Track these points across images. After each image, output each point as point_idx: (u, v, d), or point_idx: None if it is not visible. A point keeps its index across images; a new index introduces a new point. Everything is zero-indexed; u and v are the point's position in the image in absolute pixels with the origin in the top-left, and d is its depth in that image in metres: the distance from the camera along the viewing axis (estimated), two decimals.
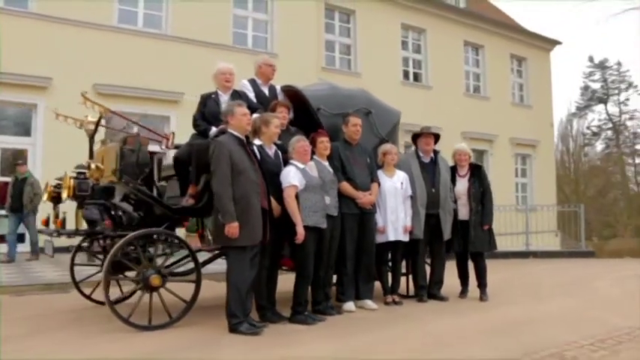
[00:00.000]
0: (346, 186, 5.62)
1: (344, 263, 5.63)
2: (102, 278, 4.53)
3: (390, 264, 6.22)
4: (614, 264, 12.20)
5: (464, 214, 6.38)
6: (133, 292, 4.75)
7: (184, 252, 5.30)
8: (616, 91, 48.16)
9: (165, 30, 14.15)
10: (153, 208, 5.24)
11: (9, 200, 10.27)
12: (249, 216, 4.49)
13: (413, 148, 6.64)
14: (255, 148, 4.89)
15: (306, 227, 4.91)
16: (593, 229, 34.55)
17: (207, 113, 5.45)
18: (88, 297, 5.98)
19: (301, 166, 5.07)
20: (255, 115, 5.20)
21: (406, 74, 19.62)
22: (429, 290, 6.38)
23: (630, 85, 47.68)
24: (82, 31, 12.81)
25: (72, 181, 4.43)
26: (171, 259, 4.99)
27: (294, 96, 6.11)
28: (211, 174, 4.54)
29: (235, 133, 4.69)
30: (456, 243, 6.42)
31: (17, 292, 7.05)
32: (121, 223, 5.08)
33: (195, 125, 5.48)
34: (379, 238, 5.91)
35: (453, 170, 6.58)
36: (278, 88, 6.19)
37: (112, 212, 5.07)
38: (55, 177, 6.54)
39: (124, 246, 4.60)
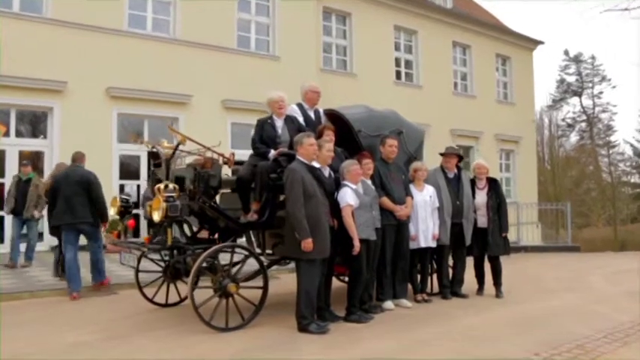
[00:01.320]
0: (386, 201, 6.39)
1: (384, 267, 6.41)
2: (188, 287, 5.21)
3: (419, 267, 7.02)
4: (600, 259, 13.25)
5: (482, 222, 7.23)
6: (209, 298, 5.43)
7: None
8: (590, 85, 49.53)
9: (173, 34, 14.59)
10: (217, 221, 5.94)
11: (12, 202, 9.62)
12: (320, 233, 5.24)
13: (440, 164, 7.44)
14: (320, 173, 5.60)
15: (360, 240, 5.66)
16: (566, 216, 35.91)
17: (266, 137, 6.13)
18: (150, 300, 6.64)
19: (354, 186, 5.81)
20: None
21: (398, 74, 20.35)
22: (451, 289, 7.23)
23: (604, 78, 49.17)
24: (95, 35, 13.20)
25: (165, 204, 5.07)
26: (238, 268, 5.66)
27: (335, 118, 6.83)
28: (286, 197, 5.24)
29: (304, 160, 5.39)
30: (475, 248, 7.26)
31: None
32: (196, 238, 5.77)
33: (254, 148, 6.15)
34: (411, 245, 6.71)
35: (472, 183, 7.39)
36: (321, 111, 6.89)
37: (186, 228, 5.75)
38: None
39: (206, 258, 5.29)
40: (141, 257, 5.57)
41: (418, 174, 6.88)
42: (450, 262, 7.37)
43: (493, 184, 7.36)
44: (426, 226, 6.79)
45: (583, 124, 49.53)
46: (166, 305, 6.67)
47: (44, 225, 10.29)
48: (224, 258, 5.75)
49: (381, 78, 19.20)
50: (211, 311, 5.35)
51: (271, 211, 5.81)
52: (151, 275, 6.73)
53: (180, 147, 5.64)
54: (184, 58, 14.39)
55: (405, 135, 7.10)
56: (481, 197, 7.28)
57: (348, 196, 5.66)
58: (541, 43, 25.76)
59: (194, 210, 5.74)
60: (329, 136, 6.19)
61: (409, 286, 6.93)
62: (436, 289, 7.37)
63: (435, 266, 7.35)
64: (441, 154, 7.40)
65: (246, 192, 5.98)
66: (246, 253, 5.70)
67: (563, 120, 48.95)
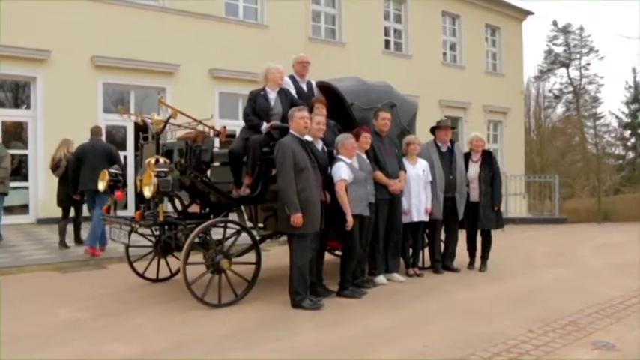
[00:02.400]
0: (380, 175, 6.32)
1: (377, 241, 6.38)
2: (181, 264, 5.15)
3: (411, 241, 7.00)
4: (587, 232, 13.38)
5: (474, 196, 7.21)
6: (202, 275, 5.37)
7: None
8: (578, 56, 49.36)
9: (162, 1, 14.20)
10: (209, 196, 5.85)
11: None
12: (311, 207, 5.18)
13: (432, 138, 7.36)
14: (312, 146, 5.51)
15: (353, 215, 5.60)
16: (553, 188, 36.29)
17: (258, 109, 6.00)
18: (141, 275, 6.57)
19: (349, 161, 5.73)
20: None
21: (387, 44, 20.11)
22: (443, 263, 7.24)
23: (591, 49, 48.95)
24: (79, 3, 12.76)
25: (156, 179, 4.96)
26: (230, 244, 5.59)
27: (328, 90, 6.70)
28: (277, 172, 5.16)
29: (296, 134, 5.29)
30: (466, 222, 7.25)
31: (62, 268, 7.58)
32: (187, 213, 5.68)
33: (246, 120, 6.02)
34: (404, 219, 6.67)
35: (467, 156, 7.35)
36: (314, 83, 6.76)
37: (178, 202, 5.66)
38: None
39: (199, 233, 5.21)
40: (131, 233, 5.46)
41: (411, 148, 6.82)
42: (442, 236, 7.35)
43: (487, 157, 7.32)
44: (418, 201, 6.75)
45: (569, 96, 49.45)
46: (157, 280, 6.61)
47: None
48: (217, 232, 5.68)
49: (370, 47, 18.96)
50: (204, 287, 5.30)
51: (264, 186, 5.73)
52: (141, 249, 6.65)
53: (171, 120, 5.49)
54: (171, 27, 14.05)
55: (398, 108, 7.00)
56: (474, 170, 7.25)
57: (342, 171, 5.59)
58: (530, 13, 25.54)
59: (185, 184, 5.64)
60: (319, 109, 6.09)
61: (401, 260, 6.91)
62: (427, 262, 7.37)
63: (426, 240, 7.33)
64: (434, 128, 7.32)
65: (238, 166, 5.88)
66: (239, 228, 5.61)
67: (549, 91, 48.75)
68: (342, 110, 6.60)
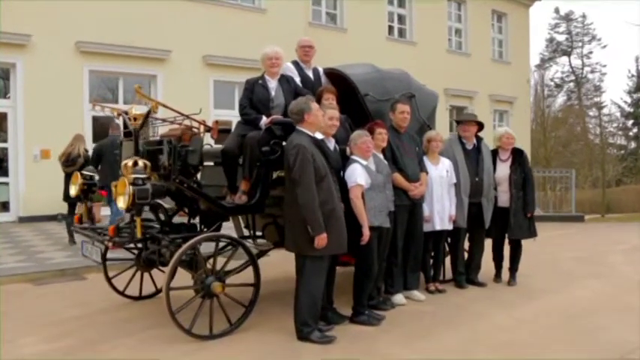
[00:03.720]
0: (399, 177, 5.43)
1: (394, 254, 5.51)
2: (164, 289, 4.25)
3: (432, 252, 6.13)
4: (609, 231, 12.50)
5: (504, 200, 6.32)
6: (190, 301, 4.47)
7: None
8: (580, 44, 48.71)
9: None
10: (198, 203, 4.95)
11: None
12: (336, 224, 4.31)
13: (455, 133, 6.45)
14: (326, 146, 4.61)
15: (371, 227, 4.72)
16: (556, 180, 35.55)
17: (256, 101, 5.09)
18: (122, 293, 5.70)
19: (364, 162, 4.83)
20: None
21: (391, 30, 19.22)
22: (467, 276, 6.37)
23: (594, 37, 48.34)
24: None
25: (132, 188, 4.05)
26: (224, 263, 4.69)
27: (337, 79, 5.79)
28: (296, 182, 4.24)
29: (308, 132, 4.40)
30: (494, 229, 6.37)
31: (36, 279, 6.69)
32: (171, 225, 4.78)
33: (242, 114, 5.12)
34: (425, 227, 5.79)
35: (494, 154, 6.45)
36: (321, 70, 5.86)
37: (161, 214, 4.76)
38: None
39: (186, 252, 4.32)
40: (106, 251, 4.56)
41: (433, 145, 5.91)
42: (466, 245, 6.47)
43: (518, 156, 6.41)
44: (441, 206, 5.86)
45: (571, 85, 48.90)
46: (140, 298, 5.73)
47: None
48: (209, 246, 4.79)
49: (372, 33, 18.08)
50: (192, 312, 4.41)
51: (263, 192, 4.84)
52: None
53: (153, 114, 4.59)
54: (162, 10, 13.16)
55: (416, 99, 6.09)
56: (503, 171, 6.35)
57: (357, 175, 4.69)
58: None
59: (170, 190, 4.74)
60: (329, 101, 5.19)
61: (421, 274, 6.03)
62: (447, 273, 6.49)
63: (447, 249, 6.45)
64: (457, 122, 6.42)
65: (233, 168, 4.98)
66: (234, 243, 4.73)
67: (551, 80, 48.41)
68: (353, 102, 5.69)
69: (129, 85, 13.26)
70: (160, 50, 13.19)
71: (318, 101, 5.05)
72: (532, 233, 6.39)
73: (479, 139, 6.35)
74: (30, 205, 11.51)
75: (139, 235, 4.24)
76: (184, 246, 4.31)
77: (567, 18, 49.20)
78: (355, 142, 4.86)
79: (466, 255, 6.48)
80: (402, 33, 19.59)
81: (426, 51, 19.48)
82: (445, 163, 5.96)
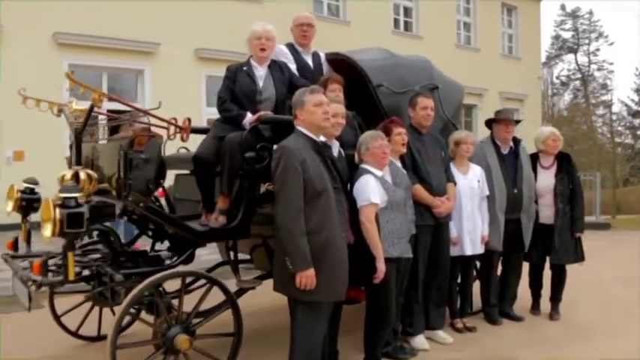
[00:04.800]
0: (421, 191, 4.28)
1: (414, 287, 4.36)
2: (108, 346, 3.10)
3: (459, 281, 4.98)
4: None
5: (547, 216, 5.15)
6: (150, 357, 3.33)
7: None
8: (586, 41, 47.97)
9: None
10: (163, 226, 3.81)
11: None
12: (330, 260, 3.14)
13: (489, 134, 5.29)
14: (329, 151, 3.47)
15: (387, 259, 3.58)
16: (594, 188, 34.40)
17: (239, 92, 3.96)
18: (75, 333, 4.58)
19: (379, 173, 3.69)
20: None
21: (397, 23, 18.17)
22: (500, 307, 5.23)
23: (600, 35, 47.58)
24: None
25: (58, 211, 2.91)
26: (194, 307, 3.56)
27: (343, 66, 4.65)
28: (275, 196, 3.13)
29: (307, 132, 3.26)
30: (534, 252, 5.21)
31: None
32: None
33: (221, 109, 3.99)
34: (452, 251, 4.65)
35: (534, 159, 5.30)
36: (322, 55, 4.73)
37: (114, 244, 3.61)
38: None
39: (141, 294, 3.19)
40: (37, 290, 3.41)
41: (462, 149, 4.76)
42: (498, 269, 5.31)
43: (564, 163, 5.24)
44: (472, 225, 4.71)
45: (577, 83, 48.21)
46: (98, 339, 4.60)
47: None
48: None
49: (377, 27, 16.99)
50: None
51: (247, 211, 3.71)
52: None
53: (97, 109, 3.44)
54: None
55: (440, 92, 4.95)
56: (546, 180, 5.18)
57: (370, 190, 3.54)
58: None
59: (127, 210, 3.60)
60: (335, 92, 4.07)
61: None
62: (474, 301, 5.33)
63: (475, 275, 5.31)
64: (491, 121, 5.28)
65: (209, 179, 3.86)
66: (207, 281, 3.58)
67: (557, 78, 47.75)
68: (362, 95, 4.55)
69: (114, 80, 12.40)
70: (147, 43, 12.22)
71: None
72: (579, 257, 5.22)
73: (516, 142, 5.19)
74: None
75: (71, 275, 3.09)
76: (138, 287, 3.18)
77: (574, 15, 48.65)
78: (367, 146, 3.71)
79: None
80: (407, 26, 18.56)
81: (434, 46, 18.32)
82: (476, 172, 4.81)
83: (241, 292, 3.96)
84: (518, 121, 5.28)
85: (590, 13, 48.08)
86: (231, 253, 4.22)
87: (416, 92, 4.58)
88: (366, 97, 4.56)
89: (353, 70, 4.57)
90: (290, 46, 4.54)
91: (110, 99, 3.47)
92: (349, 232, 3.33)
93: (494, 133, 5.17)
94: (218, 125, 4.00)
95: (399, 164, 4.09)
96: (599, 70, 47.79)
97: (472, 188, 4.73)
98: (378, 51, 4.94)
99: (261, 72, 4.05)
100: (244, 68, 4.06)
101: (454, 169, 4.73)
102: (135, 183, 3.29)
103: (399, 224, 3.73)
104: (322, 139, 3.51)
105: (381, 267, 3.50)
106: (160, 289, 3.46)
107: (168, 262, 3.72)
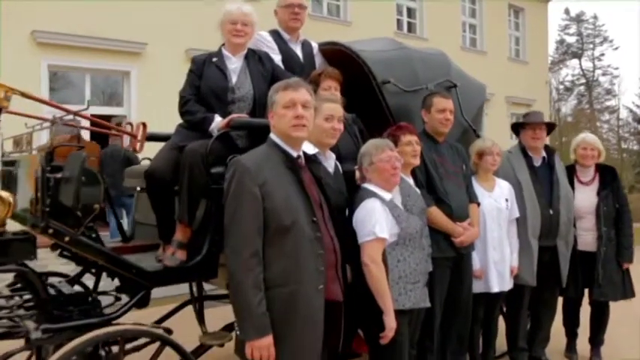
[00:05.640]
0: (438, 215, 3.39)
1: (429, 336, 3.46)
2: None
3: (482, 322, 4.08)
4: None
5: (588, 242, 4.25)
6: None
7: None
8: (591, 46, 47.50)
9: None
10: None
11: None
12: (301, 322, 2.27)
13: (517, 142, 4.39)
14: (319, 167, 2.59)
15: (398, 312, 2.69)
16: None
17: (207, 89, 3.10)
18: None
19: (387, 196, 2.80)
20: None
21: (400, 24, 17.41)
22: (530, 351, 4.32)
23: (605, 39, 47.16)
24: None
25: None
26: None
27: (342, 59, 3.77)
28: (224, 232, 2.27)
29: (281, 144, 2.39)
30: (571, 285, 4.29)
31: None
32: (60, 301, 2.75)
33: (183, 111, 3.12)
34: (475, 287, 3.76)
35: (570, 172, 4.41)
36: (314, 45, 3.86)
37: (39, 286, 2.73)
38: None
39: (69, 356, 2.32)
40: None
41: (487, 161, 3.87)
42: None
43: (608, 177, 4.34)
44: (499, 255, 3.82)
45: (582, 88, 47.77)
46: None
47: None
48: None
49: (379, 28, 16.13)
50: None
51: (213, 243, 2.83)
52: None
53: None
54: None
55: (459, 92, 4.07)
56: (586, 198, 4.27)
57: (376, 220, 2.66)
58: None
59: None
60: (330, 90, 3.22)
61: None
62: (497, 342, 4.40)
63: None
64: (517, 125, 4.39)
65: (165, 202, 2.99)
66: (159, 340, 2.70)
67: (561, 83, 47.38)
68: (365, 93, 3.68)
69: (98, 83, 11.70)
70: (133, 43, 11.44)
71: (314, 90, 3.07)
72: (627, 292, 4.29)
73: (550, 151, 4.30)
74: None
75: None
76: (67, 348, 2.31)
77: (578, 19, 48.36)
78: (371, 159, 2.81)
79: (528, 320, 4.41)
80: (411, 28, 17.80)
81: (439, 48, 17.59)
82: (504, 189, 3.92)
83: (200, 349, 3.07)
84: (551, 125, 4.37)
85: (595, 17, 47.72)
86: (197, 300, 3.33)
87: (430, 91, 3.71)
88: (369, 96, 3.68)
89: (353, 63, 3.69)
90: (274, 34, 3.68)
91: (23, 95, 2.58)
92: (334, 282, 2.41)
93: (523, 140, 4.27)
94: (180, 132, 3.13)
95: (410, 181, 3.19)
96: (603, 75, 47.37)
97: (499, 209, 3.84)
98: (384, 41, 4.09)
99: (235, 64, 3.19)
100: (214, 59, 3.20)
101: (477, 185, 3.84)
102: (55, 209, 2.41)
103: (414, 264, 2.83)
104: (311, 149, 2.64)
105: (390, 323, 2.61)
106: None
107: (109, 310, 2.84)
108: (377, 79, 3.62)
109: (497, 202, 3.86)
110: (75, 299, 2.96)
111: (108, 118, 9.63)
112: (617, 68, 56.42)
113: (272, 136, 2.43)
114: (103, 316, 2.80)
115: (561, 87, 46.87)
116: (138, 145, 3.10)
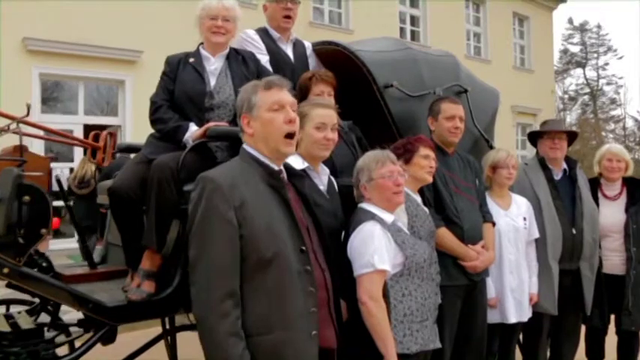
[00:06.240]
0: (448, 237, 2.96)
1: None
2: None
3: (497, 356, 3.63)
4: None
5: (615, 264, 3.80)
6: None
7: None
8: (595, 55, 47.40)
9: None
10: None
11: None
12: None
13: (534, 153, 3.97)
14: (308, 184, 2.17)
15: (402, 357, 2.25)
16: None
17: (181, 94, 2.70)
18: None
19: (389, 218, 2.37)
20: None
21: (402, 32, 17.08)
22: None
23: (609, 49, 47.09)
24: None
25: None
26: None
27: (336, 60, 3.36)
28: (189, 265, 1.85)
29: (259, 157, 1.97)
30: (595, 312, 3.84)
31: None
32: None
33: (154, 119, 2.72)
34: (490, 316, 3.32)
35: (593, 186, 3.97)
36: (308, 46, 3.45)
37: None
38: None
39: None
40: None
41: (501, 175, 3.44)
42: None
43: (637, 191, 3.89)
44: (517, 281, 3.38)
45: (586, 97, 47.67)
46: None
47: None
48: None
49: (382, 35, 15.81)
50: None
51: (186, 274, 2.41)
52: None
53: None
54: (131, 4, 11.00)
55: (470, 97, 3.66)
56: (613, 215, 3.81)
57: (375, 248, 2.23)
58: (562, 1, 22.68)
59: None
60: (323, 95, 2.82)
61: None
62: None
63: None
64: (534, 134, 3.97)
65: (131, 224, 2.57)
66: None
67: (565, 92, 47.21)
68: (365, 99, 3.27)
69: (92, 92, 11.33)
70: (128, 50, 11.07)
71: (304, 96, 2.68)
72: None
73: (571, 164, 3.86)
74: None
75: None
76: None
77: (582, 28, 48.37)
78: (370, 174, 2.39)
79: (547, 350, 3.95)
80: (414, 36, 17.49)
81: None
82: (521, 206, 3.49)
83: None
84: (573, 133, 3.94)
85: (599, 26, 47.65)
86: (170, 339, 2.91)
87: (438, 96, 3.29)
88: (369, 102, 3.27)
89: (351, 65, 3.28)
90: (262, 32, 3.27)
91: None
92: (326, 326, 1.97)
93: (541, 151, 3.84)
94: (151, 143, 2.72)
95: (418, 199, 2.76)
96: (608, 84, 47.22)
97: (516, 229, 3.40)
98: (386, 41, 3.69)
99: (214, 65, 2.78)
100: (191, 60, 2.79)
101: (492, 202, 3.41)
102: None
103: (422, 298, 2.39)
104: (300, 163, 2.22)
105: None
106: None
107: (63, 351, 2.41)
108: (378, 82, 3.20)
109: (514, 221, 3.42)
110: (26, 336, 2.55)
111: (102, 128, 9.28)
112: (621, 77, 56.16)
113: (247, 147, 2.00)
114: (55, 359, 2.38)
115: (566, 96, 46.72)
116: (103, 158, 2.68)
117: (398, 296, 2.31)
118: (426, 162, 2.70)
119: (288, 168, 2.07)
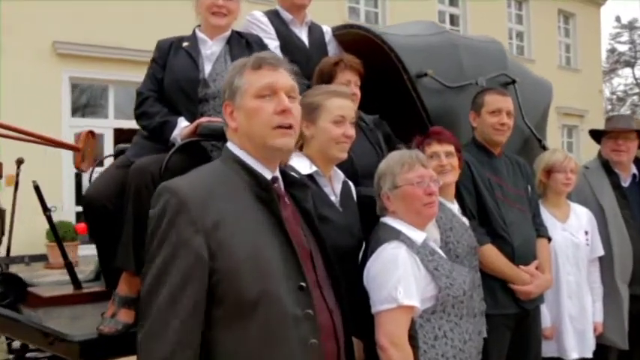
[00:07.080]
0: (495, 256, 2.44)
1: None
2: None
3: None
4: None
5: None
6: None
7: None
8: None
9: None
10: None
11: None
12: None
13: (597, 155, 3.41)
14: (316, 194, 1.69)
15: None
16: None
17: (171, 83, 2.27)
18: None
19: (419, 236, 1.86)
20: None
21: None
22: None
23: None
24: None
25: None
26: None
27: (361, 46, 2.87)
28: (140, 303, 1.39)
29: (245, 159, 1.49)
30: None
31: None
32: None
33: (138, 113, 2.30)
34: (545, 350, 2.77)
35: None
36: (327, 31, 2.97)
37: None
38: None
39: None
40: None
41: (558, 180, 2.89)
42: None
43: None
44: (578, 307, 2.82)
45: (635, 98, 46.33)
46: None
47: None
48: None
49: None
50: None
51: None
52: None
53: None
54: (157, 7, 10.83)
55: (518, 90, 3.12)
56: None
57: (398, 278, 1.72)
58: None
59: None
60: (350, 86, 2.34)
61: None
62: None
63: None
64: (597, 133, 3.40)
65: (106, 239, 2.15)
66: None
67: (613, 93, 45.93)
68: (394, 91, 2.78)
69: (121, 95, 11.16)
70: (150, 52, 10.91)
71: (329, 81, 2.23)
72: None
73: None
74: None
75: None
76: None
77: (630, 26, 46.84)
78: (395, 179, 1.88)
79: None
80: None
81: None
82: (581, 218, 2.93)
83: None
84: None
85: None
86: None
87: (482, 87, 2.77)
88: (399, 94, 2.77)
89: (378, 52, 2.78)
90: (272, 14, 2.81)
91: None
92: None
93: (605, 153, 3.27)
94: (136, 143, 2.30)
95: (454, 208, 2.25)
96: None
97: (576, 245, 2.85)
98: (420, 24, 3.16)
99: (211, 49, 2.35)
100: (184, 44, 2.36)
101: (546, 213, 2.86)
102: None
103: (460, 341, 1.85)
104: (307, 167, 1.75)
105: None
106: None
107: None
108: (409, 71, 2.69)
109: (573, 235, 2.86)
110: None
111: (133, 132, 9.04)
112: None
113: (231, 147, 1.53)
114: None
115: (614, 97, 45.39)
116: (84, 163, 2.27)
117: (429, 339, 1.78)
118: (432, 162, 2.17)
119: (288, 175, 1.59)
